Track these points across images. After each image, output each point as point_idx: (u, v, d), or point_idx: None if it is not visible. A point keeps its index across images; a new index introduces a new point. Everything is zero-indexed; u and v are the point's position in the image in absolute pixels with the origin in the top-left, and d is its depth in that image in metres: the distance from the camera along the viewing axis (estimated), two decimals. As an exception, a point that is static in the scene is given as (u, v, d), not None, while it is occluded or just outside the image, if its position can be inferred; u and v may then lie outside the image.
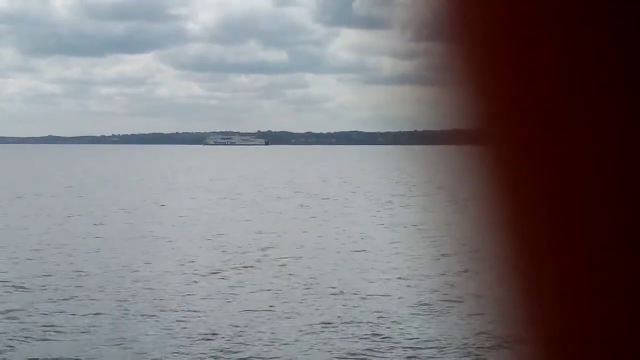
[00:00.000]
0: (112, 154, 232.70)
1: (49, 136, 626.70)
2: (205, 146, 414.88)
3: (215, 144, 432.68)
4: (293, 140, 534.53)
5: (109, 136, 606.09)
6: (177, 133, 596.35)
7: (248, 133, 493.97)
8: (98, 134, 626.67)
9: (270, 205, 56.27)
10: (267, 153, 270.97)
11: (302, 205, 56.18)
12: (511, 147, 0.77)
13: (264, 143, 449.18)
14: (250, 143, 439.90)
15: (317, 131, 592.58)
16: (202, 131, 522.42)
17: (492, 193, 0.78)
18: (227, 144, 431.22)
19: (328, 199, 62.17)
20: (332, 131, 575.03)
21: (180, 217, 46.60)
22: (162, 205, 54.60)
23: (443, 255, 31.30)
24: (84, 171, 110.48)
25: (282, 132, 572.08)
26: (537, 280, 0.78)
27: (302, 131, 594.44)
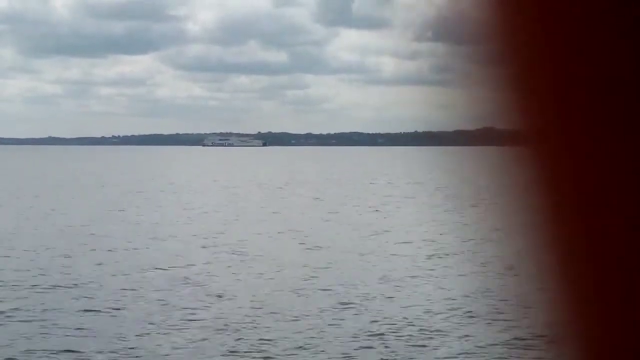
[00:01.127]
0: (105, 156, 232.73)
1: (49, 137, 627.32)
2: (204, 147, 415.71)
3: (213, 145, 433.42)
4: (293, 142, 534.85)
5: (109, 137, 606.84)
6: (177, 134, 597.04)
7: (247, 134, 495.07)
8: (98, 135, 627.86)
9: (246, 206, 56.26)
10: (263, 154, 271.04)
11: (277, 211, 56.14)
12: (546, 147, 0.76)
13: (261, 144, 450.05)
14: (248, 144, 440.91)
15: (317, 132, 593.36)
16: (203, 132, 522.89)
17: (515, 194, 0.77)
18: (225, 145, 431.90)
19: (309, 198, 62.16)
20: (332, 132, 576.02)
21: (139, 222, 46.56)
22: (121, 210, 54.54)
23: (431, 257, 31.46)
24: (75, 174, 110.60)
25: (282, 133, 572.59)
26: (574, 280, 0.77)
27: (302, 132, 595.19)
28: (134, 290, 25.05)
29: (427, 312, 22.10)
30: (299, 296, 24.45)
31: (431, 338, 19.43)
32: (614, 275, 0.75)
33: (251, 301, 23.49)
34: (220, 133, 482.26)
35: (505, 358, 17.74)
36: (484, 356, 17.99)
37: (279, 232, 40.34)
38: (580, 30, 0.74)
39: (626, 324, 0.75)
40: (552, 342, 0.80)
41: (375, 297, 24.23)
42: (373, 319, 21.21)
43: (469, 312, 21.86)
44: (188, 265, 29.96)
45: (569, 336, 0.79)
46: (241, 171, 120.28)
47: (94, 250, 33.59)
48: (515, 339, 18.66)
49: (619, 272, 0.75)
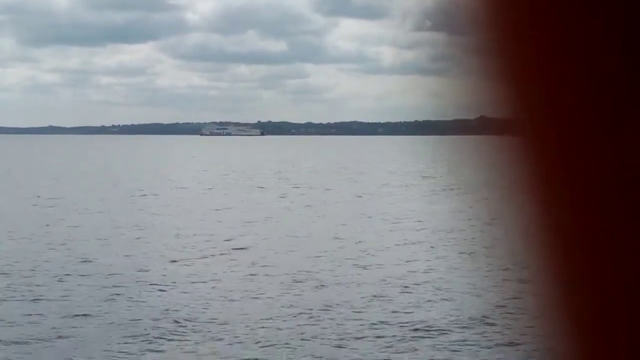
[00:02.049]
0: (100, 145, 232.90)
1: (49, 126, 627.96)
2: (202, 136, 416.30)
3: (211, 134, 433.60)
4: (293, 131, 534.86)
5: (109, 126, 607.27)
6: (177, 123, 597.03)
7: (246, 123, 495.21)
8: (98, 124, 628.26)
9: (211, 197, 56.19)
10: (260, 143, 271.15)
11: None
12: (536, 138, 0.77)
13: (259, 133, 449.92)
14: (246, 133, 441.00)
15: (317, 122, 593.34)
16: (202, 121, 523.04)
17: (506, 184, 0.78)
18: (223, 134, 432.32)
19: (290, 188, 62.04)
20: (332, 121, 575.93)
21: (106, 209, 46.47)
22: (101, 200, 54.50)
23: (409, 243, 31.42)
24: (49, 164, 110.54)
25: (282, 122, 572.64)
26: (567, 274, 0.77)
27: (302, 121, 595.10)
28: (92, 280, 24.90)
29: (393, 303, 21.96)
30: (252, 281, 24.31)
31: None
32: (606, 269, 0.75)
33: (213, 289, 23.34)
34: (219, 122, 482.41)
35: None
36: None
37: (252, 222, 40.19)
38: (574, 22, 0.75)
39: (622, 323, 0.75)
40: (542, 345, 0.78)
41: (339, 282, 24.09)
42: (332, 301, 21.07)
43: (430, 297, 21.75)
44: (158, 256, 29.81)
45: (560, 327, 0.78)
46: (231, 161, 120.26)
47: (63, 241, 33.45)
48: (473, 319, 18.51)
49: (611, 266, 0.75)
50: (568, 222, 0.77)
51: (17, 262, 27.47)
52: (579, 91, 0.75)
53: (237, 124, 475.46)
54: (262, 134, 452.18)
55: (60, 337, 18.43)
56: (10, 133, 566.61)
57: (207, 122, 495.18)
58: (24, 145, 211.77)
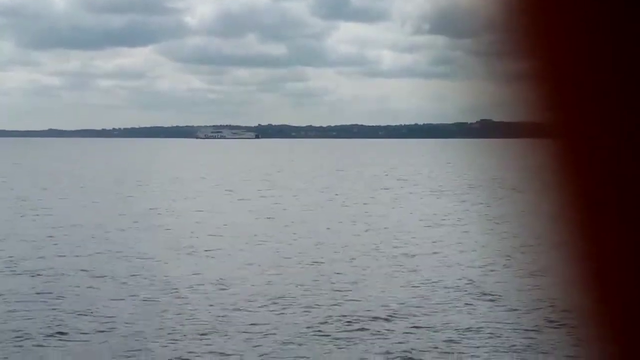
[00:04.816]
0: (92, 149, 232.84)
1: (50, 130, 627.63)
2: (197, 139, 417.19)
3: (206, 137, 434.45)
4: (293, 134, 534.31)
5: (110, 129, 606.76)
6: (177, 126, 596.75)
7: (240, 126, 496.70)
8: (99, 127, 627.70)
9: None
10: (252, 146, 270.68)
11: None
12: (558, 140, 0.76)
13: (253, 136, 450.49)
14: (240, 136, 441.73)
15: (318, 125, 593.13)
16: (203, 124, 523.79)
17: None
18: (217, 137, 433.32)
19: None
20: (332, 125, 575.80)
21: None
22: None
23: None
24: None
25: (282, 125, 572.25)
26: (598, 267, 0.76)
27: (303, 125, 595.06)
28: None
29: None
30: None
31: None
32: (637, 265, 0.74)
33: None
34: (219, 125, 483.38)
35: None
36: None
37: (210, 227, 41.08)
38: (579, 23, 0.74)
39: None
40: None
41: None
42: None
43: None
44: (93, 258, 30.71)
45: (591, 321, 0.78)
46: (210, 164, 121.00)
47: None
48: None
49: None
50: (594, 225, 0.76)
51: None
52: (597, 93, 0.74)
53: (231, 127, 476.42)
54: (257, 136, 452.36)
55: None
56: (11, 136, 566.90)
57: (208, 125, 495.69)
58: (25, 149, 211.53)
